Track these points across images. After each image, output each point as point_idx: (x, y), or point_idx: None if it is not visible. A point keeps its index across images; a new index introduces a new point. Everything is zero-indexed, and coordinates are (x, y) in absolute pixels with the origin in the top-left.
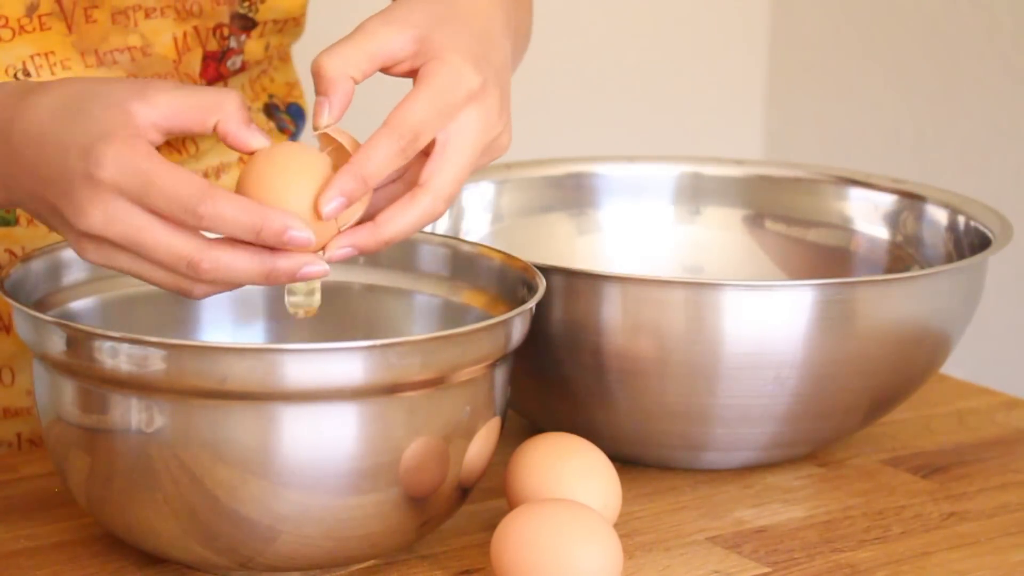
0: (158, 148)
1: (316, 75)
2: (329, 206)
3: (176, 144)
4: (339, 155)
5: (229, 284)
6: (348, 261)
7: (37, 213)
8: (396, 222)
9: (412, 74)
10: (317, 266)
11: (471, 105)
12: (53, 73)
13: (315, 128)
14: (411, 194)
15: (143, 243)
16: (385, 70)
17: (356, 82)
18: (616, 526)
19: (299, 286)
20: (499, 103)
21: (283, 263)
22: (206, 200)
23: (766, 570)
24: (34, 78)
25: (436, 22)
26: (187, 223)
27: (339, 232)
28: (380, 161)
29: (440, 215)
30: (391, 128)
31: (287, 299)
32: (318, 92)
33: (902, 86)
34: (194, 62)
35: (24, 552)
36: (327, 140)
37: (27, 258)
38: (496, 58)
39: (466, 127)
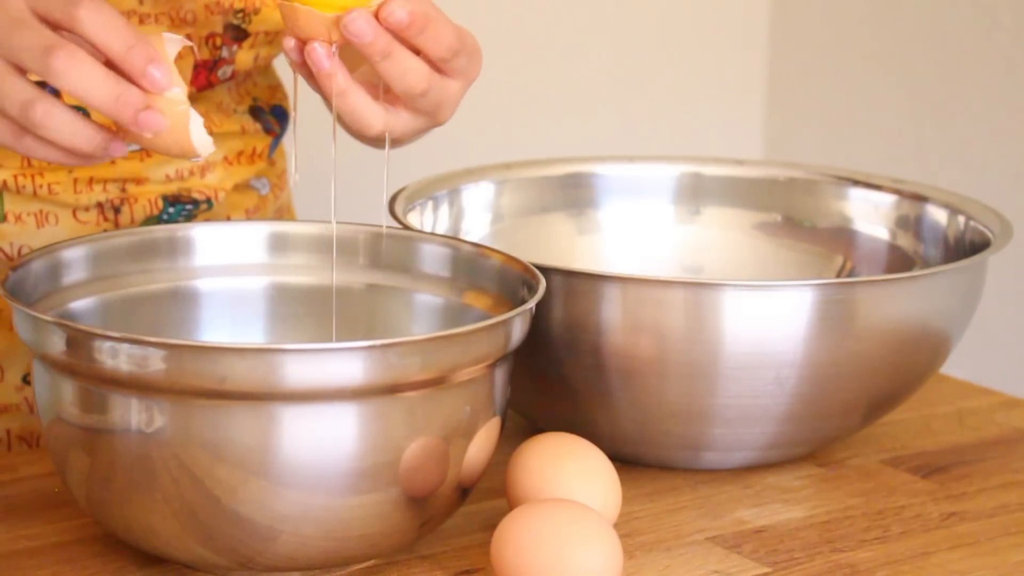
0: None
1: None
2: (354, 24)
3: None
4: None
5: (63, 127)
6: (349, 261)
7: None
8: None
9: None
10: (156, 117)
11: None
12: None
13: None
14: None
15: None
16: None
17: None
18: (616, 526)
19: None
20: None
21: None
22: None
23: (766, 570)
24: None
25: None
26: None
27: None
28: (401, 17)
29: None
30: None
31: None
32: None
33: (902, 86)
34: (186, 70)
35: (24, 552)
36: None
37: (27, 258)
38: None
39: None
